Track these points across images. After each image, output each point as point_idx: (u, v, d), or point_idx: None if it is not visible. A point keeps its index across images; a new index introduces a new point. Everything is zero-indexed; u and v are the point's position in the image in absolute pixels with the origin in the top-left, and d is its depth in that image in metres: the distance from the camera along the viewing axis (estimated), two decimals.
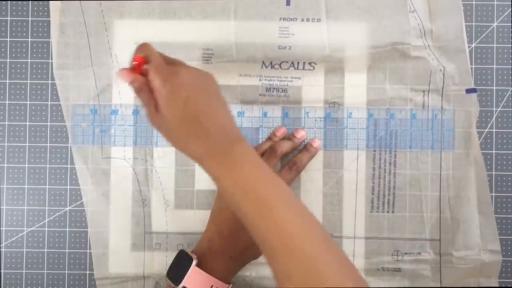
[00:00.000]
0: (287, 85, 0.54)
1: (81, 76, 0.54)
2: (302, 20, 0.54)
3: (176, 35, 0.54)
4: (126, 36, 0.54)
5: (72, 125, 0.54)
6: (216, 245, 0.47)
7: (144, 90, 0.39)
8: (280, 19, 0.54)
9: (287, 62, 0.54)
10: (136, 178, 0.54)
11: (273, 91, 0.54)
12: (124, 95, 0.54)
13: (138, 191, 0.54)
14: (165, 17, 0.54)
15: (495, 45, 0.54)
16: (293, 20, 0.54)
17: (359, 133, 0.54)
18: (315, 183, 0.54)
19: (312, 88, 0.54)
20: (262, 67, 0.54)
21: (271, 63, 0.54)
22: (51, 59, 0.55)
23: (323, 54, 0.53)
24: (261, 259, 0.48)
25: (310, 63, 0.54)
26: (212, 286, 0.45)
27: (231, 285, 0.47)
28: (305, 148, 0.53)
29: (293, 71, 0.54)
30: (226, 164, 0.39)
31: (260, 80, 0.54)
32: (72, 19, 0.54)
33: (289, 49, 0.53)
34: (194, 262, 0.45)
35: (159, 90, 0.39)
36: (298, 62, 0.54)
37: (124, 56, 0.54)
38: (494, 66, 0.54)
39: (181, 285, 0.45)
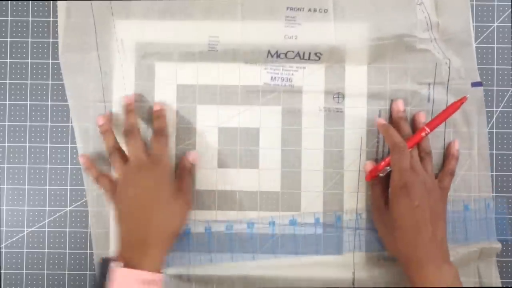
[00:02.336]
0: (292, 74, 0.54)
1: (85, 60, 0.54)
2: (309, 10, 0.54)
3: (182, 23, 0.54)
4: (131, 29, 0.54)
5: (74, 104, 0.54)
6: (135, 237, 0.46)
7: None
8: (287, 8, 0.54)
9: (293, 51, 0.54)
10: None
11: (277, 80, 0.54)
12: (128, 79, 0.54)
13: None
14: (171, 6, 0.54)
15: (495, 45, 0.54)
16: (300, 10, 0.54)
17: (360, 132, 0.54)
18: (315, 183, 0.54)
19: (317, 78, 0.54)
20: (268, 56, 0.54)
21: (276, 52, 0.54)
22: (51, 60, 0.55)
23: (329, 45, 0.53)
24: None
25: (316, 54, 0.53)
26: (144, 279, 0.44)
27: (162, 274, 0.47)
28: (155, 116, 0.53)
29: (299, 61, 0.54)
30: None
31: (265, 69, 0.54)
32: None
33: (296, 38, 0.53)
34: (112, 264, 0.44)
35: None
36: (304, 52, 0.54)
37: (130, 41, 0.54)
38: (495, 67, 0.54)
39: None
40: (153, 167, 0.49)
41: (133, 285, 0.44)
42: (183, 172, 0.52)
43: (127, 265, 0.44)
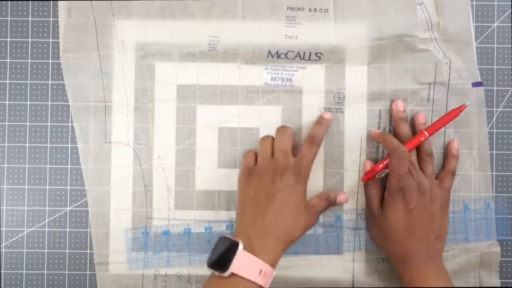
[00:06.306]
0: (292, 74, 0.54)
1: (86, 60, 0.54)
2: (310, 10, 0.54)
3: (182, 23, 0.54)
4: (132, 27, 0.54)
5: (74, 104, 0.54)
6: (261, 228, 0.47)
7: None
8: (288, 8, 0.54)
9: (293, 51, 0.54)
10: (142, 176, 0.54)
11: (278, 80, 0.54)
12: (128, 79, 0.54)
13: (141, 191, 0.54)
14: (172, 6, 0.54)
15: (495, 45, 0.54)
16: (301, 10, 0.54)
17: (360, 132, 0.54)
18: (315, 183, 0.54)
19: (317, 78, 0.54)
20: (268, 56, 0.54)
21: (277, 52, 0.54)
22: (51, 60, 0.55)
23: (329, 45, 0.53)
24: None
25: (316, 54, 0.54)
26: (261, 270, 0.45)
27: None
28: (318, 122, 0.53)
29: (299, 61, 0.54)
30: None
31: (265, 69, 0.54)
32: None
33: (296, 38, 0.53)
34: (240, 246, 0.45)
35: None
36: (304, 52, 0.54)
37: (130, 41, 0.54)
38: (495, 67, 0.54)
39: (229, 271, 0.44)
40: (296, 170, 0.49)
41: (252, 271, 0.45)
42: (324, 198, 0.52)
43: (247, 249, 0.46)
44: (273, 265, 0.47)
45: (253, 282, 0.45)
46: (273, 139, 0.52)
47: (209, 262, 0.46)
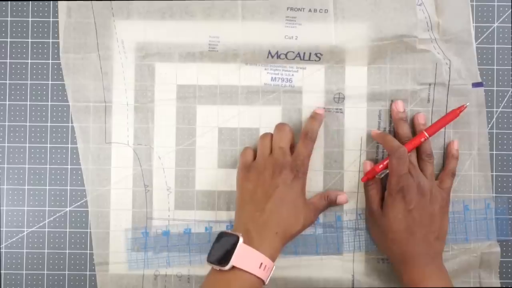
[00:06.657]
0: (292, 75, 0.54)
1: (86, 60, 0.54)
2: (310, 10, 0.54)
3: (182, 23, 0.54)
4: (132, 27, 0.54)
5: (74, 104, 0.54)
6: (260, 222, 0.48)
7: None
8: (288, 8, 0.54)
9: (293, 52, 0.54)
10: (142, 175, 0.54)
11: (278, 81, 0.54)
12: (128, 80, 0.54)
13: (141, 191, 0.54)
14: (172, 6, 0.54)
15: (495, 45, 0.54)
16: (301, 10, 0.54)
17: (360, 132, 0.54)
18: (315, 184, 0.54)
19: (317, 78, 0.54)
20: (268, 57, 0.54)
21: (277, 52, 0.54)
22: (51, 60, 0.55)
23: (329, 45, 0.53)
24: None
25: (316, 54, 0.54)
26: (261, 263, 0.45)
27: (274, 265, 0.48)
28: (311, 117, 0.53)
29: (299, 61, 0.54)
30: None
31: (265, 69, 0.54)
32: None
33: (296, 39, 0.53)
34: (241, 239, 0.46)
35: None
36: (304, 53, 0.54)
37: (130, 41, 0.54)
38: (495, 67, 0.54)
39: (229, 264, 0.45)
40: (294, 167, 0.49)
41: (252, 264, 0.45)
42: (324, 197, 0.53)
43: (246, 244, 0.46)
44: (272, 259, 0.47)
45: (254, 275, 0.45)
46: (272, 136, 0.52)
47: (209, 256, 0.47)
